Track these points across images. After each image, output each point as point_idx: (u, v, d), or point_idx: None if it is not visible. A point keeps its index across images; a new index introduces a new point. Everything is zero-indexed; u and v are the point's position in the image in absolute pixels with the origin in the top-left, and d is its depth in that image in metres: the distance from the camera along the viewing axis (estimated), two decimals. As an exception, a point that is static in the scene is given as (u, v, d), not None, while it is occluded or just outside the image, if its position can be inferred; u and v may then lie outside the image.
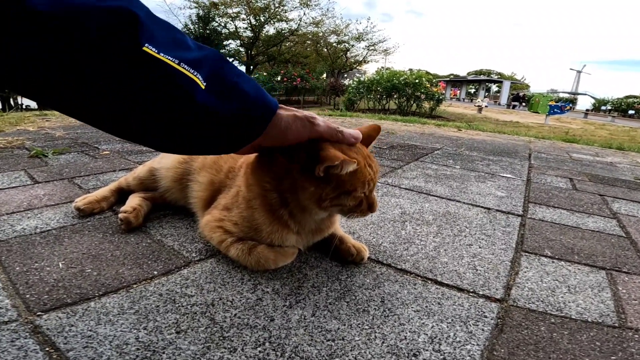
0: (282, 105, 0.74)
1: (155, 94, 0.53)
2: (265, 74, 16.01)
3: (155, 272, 0.97)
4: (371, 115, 6.94)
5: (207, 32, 16.30)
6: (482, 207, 1.74)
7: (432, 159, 2.87)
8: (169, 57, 0.52)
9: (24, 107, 6.98)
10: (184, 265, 1.02)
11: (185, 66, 0.54)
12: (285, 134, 0.74)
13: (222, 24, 16.94)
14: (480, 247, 1.29)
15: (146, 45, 0.49)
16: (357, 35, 18.42)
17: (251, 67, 18.42)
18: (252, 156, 0.97)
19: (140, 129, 0.58)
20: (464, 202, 1.78)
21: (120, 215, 1.18)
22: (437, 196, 1.85)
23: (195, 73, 0.55)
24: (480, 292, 1.00)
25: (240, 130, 0.65)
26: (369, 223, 1.44)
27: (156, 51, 0.51)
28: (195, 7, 16.06)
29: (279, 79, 14.93)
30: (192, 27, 16.38)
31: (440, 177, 2.25)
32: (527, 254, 1.27)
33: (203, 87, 0.56)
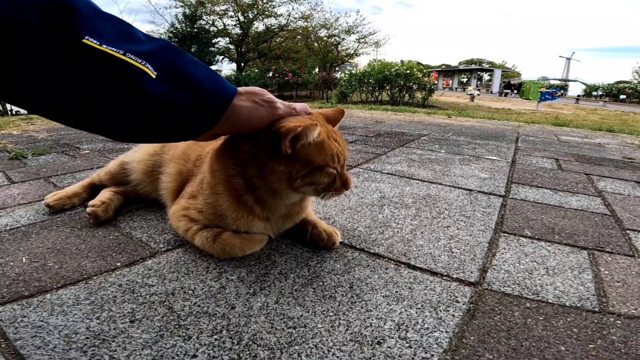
0: (244, 91, 0.74)
1: (102, 84, 0.54)
2: (256, 70, 15.90)
3: (119, 264, 0.95)
4: (362, 106, 6.89)
5: (195, 30, 16.13)
6: (463, 188, 1.71)
7: (418, 144, 2.84)
8: (114, 49, 0.53)
9: (13, 112, 6.98)
10: (150, 256, 1.00)
11: (132, 56, 0.54)
12: (246, 121, 0.74)
13: (210, 22, 16.78)
14: (458, 229, 1.26)
15: (86, 37, 0.50)
16: (347, 29, 18.32)
17: (242, 64, 18.29)
18: (219, 142, 0.95)
19: (95, 119, 0.59)
20: (445, 185, 1.75)
21: (88, 209, 1.17)
22: (418, 179, 1.82)
23: (145, 63, 0.56)
24: (454, 276, 0.97)
25: (195, 118, 0.65)
26: (346, 208, 1.41)
27: (98, 43, 0.51)
28: (182, 6, 15.88)
29: (270, 74, 14.84)
30: (178, 26, 16.18)
31: (424, 162, 2.22)
32: (506, 234, 1.25)
33: (154, 77, 0.57)
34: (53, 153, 2.21)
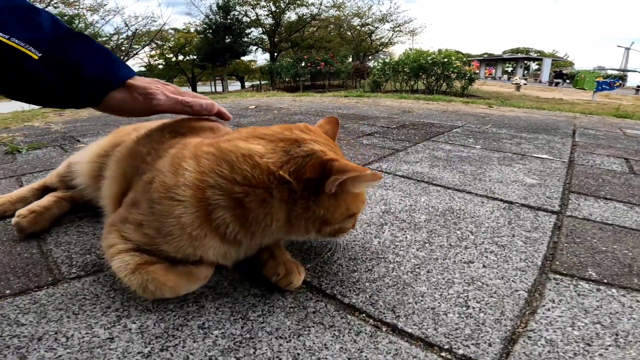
0: (132, 83, 0.82)
1: None
2: (289, 60, 15.61)
3: (8, 291, 0.76)
4: (392, 95, 6.40)
5: (229, 21, 16.11)
6: (501, 200, 1.28)
7: (448, 137, 2.39)
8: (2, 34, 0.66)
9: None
10: (49, 284, 0.79)
11: (17, 41, 0.68)
12: (121, 110, 0.84)
13: (243, 12, 16.66)
14: (484, 267, 0.86)
15: None
16: (380, 17, 17.55)
17: (275, 54, 18.12)
18: (210, 141, 0.74)
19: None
20: (476, 194, 1.33)
21: (13, 220, 1.01)
22: (440, 185, 1.41)
23: (28, 47, 0.69)
24: (460, 352, 0.59)
25: (73, 95, 0.77)
26: (332, 226, 1.04)
27: None
28: (216, -4, 15.89)
29: (302, 64, 14.57)
30: (213, 17, 16.23)
31: (451, 160, 1.79)
32: (557, 276, 0.83)
33: (37, 58, 0.70)
34: (49, 147, 2.12)
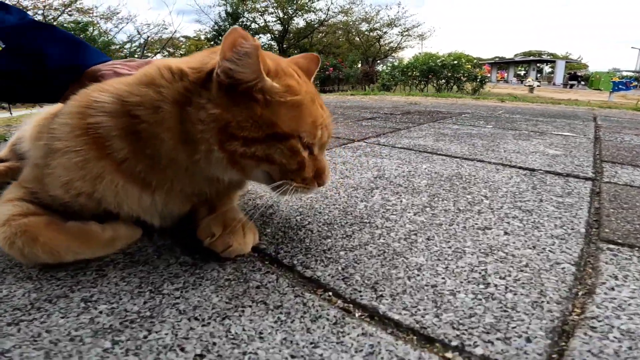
0: (93, 69, 0.77)
1: None
2: (297, 66, 15.43)
3: None
4: (400, 93, 6.18)
5: (237, 27, 16.18)
6: (520, 167, 1.04)
7: (456, 120, 2.15)
8: None
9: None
10: None
11: None
12: None
13: (251, 19, 16.65)
14: (507, 233, 0.63)
15: None
16: (388, 22, 17.34)
17: (283, 60, 18.05)
18: None
19: None
20: (489, 162, 1.09)
21: None
22: (446, 155, 1.18)
23: None
24: (478, 354, 0.36)
25: (40, 85, 0.76)
26: (308, 192, 0.82)
27: None
28: (224, 4, 15.87)
29: (310, 69, 14.48)
30: (221, 24, 16.26)
31: (460, 136, 1.55)
32: (612, 246, 0.59)
33: None
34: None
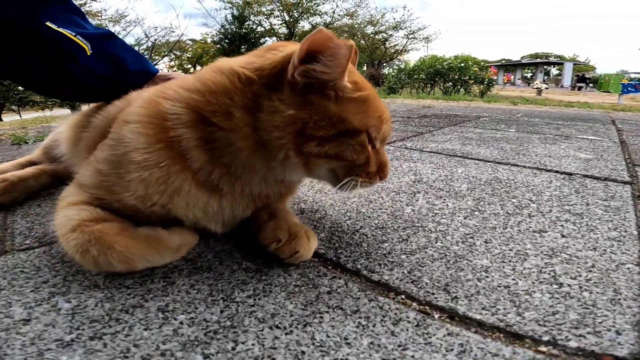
0: (162, 75, 0.92)
1: (53, 53, 0.77)
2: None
3: None
4: (409, 96, 6.18)
5: (244, 31, 16.29)
6: (557, 171, 1.04)
7: (476, 124, 2.15)
8: (68, 30, 0.76)
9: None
10: None
11: (80, 37, 0.78)
12: None
13: (257, 22, 16.80)
14: (564, 236, 0.63)
15: (47, 22, 0.74)
16: (394, 25, 17.40)
17: (289, 64, 18.12)
18: None
19: (47, 81, 0.84)
20: (524, 166, 1.09)
21: None
22: (478, 159, 1.18)
23: (86, 42, 0.79)
24: (573, 347, 0.36)
25: (118, 86, 0.79)
26: (352, 194, 0.83)
27: (56, 26, 0.75)
28: (230, 7, 16.04)
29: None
30: (228, 27, 16.41)
31: (485, 140, 1.55)
32: (673, 248, 0.59)
33: (89, 54, 0.79)
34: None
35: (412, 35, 17.69)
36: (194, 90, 0.51)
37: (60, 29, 0.76)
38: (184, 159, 0.50)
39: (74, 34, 0.77)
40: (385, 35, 17.65)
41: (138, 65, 0.89)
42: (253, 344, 0.40)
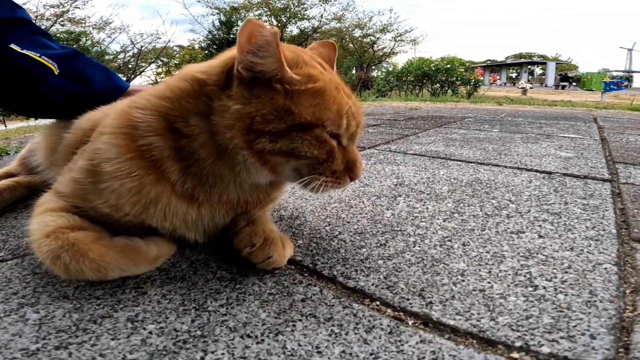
0: (131, 89, 0.90)
1: (21, 76, 0.77)
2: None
3: None
4: (397, 98, 6.23)
5: (232, 36, 16.26)
6: (537, 171, 1.05)
7: (460, 125, 2.16)
8: (32, 52, 0.77)
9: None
10: None
11: (45, 57, 0.79)
12: None
13: (245, 27, 16.82)
14: (541, 237, 0.63)
15: (12, 44, 0.75)
16: (381, 28, 17.53)
17: (277, 68, 18.10)
18: None
19: (20, 101, 0.85)
20: (505, 166, 1.10)
21: None
22: (460, 160, 1.18)
23: (53, 63, 0.79)
24: (545, 352, 0.36)
25: (87, 106, 0.77)
26: (333, 200, 0.82)
27: (20, 48, 0.76)
28: (217, 13, 15.98)
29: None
30: (215, 33, 16.35)
31: (469, 141, 1.56)
32: (647, 245, 0.59)
33: (57, 73, 0.80)
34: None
35: (399, 38, 17.83)
36: (163, 97, 0.51)
37: (24, 51, 0.76)
38: (159, 170, 0.49)
39: (38, 54, 0.78)
40: (373, 38, 17.76)
41: (107, 83, 0.89)
42: (223, 354, 0.38)
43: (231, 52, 0.49)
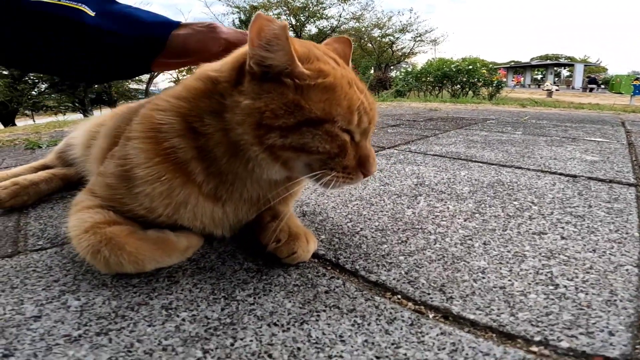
0: (187, 23, 0.80)
1: (45, 26, 0.68)
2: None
3: None
4: (416, 99, 6.18)
5: (252, 36, 16.46)
6: (561, 174, 1.03)
7: (482, 127, 2.14)
8: None
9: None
10: (7, 256, 0.64)
11: (66, 0, 0.68)
12: (185, 46, 0.76)
13: (265, 27, 17.01)
14: (563, 238, 0.63)
15: None
16: (401, 28, 17.40)
17: (296, 68, 18.26)
18: None
19: (46, 57, 0.75)
20: (528, 169, 1.09)
21: None
22: (482, 162, 1.18)
23: (80, 4, 0.69)
24: (564, 347, 0.37)
25: (141, 48, 0.74)
26: (354, 197, 0.84)
27: None
28: (237, 12, 16.23)
29: (324, 77, 14.62)
30: (236, 32, 16.63)
31: (490, 143, 1.55)
32: (674, 250, 0.59)
33: (92, 15, 0.70)
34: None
35: (419, 38, 17.67)
36: (181, 98, 0.53)
37: None
38: (185, 171, 0.52)
39: None
40: (392, 38, 17.67)
41: (155, 17, 0.79)
42: (251, 340, 0.41)
43: (243, 49, 0.51)
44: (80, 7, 0.69)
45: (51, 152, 1.10)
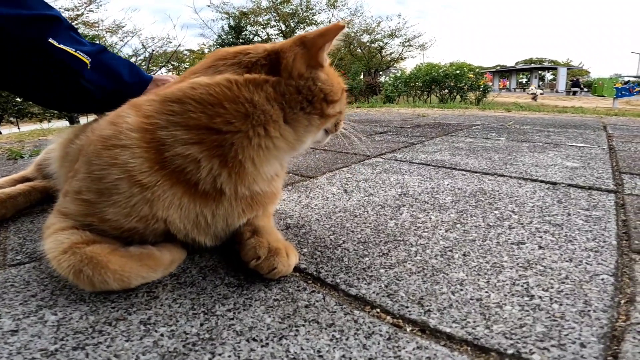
0: (156, 78, 0.98)
1: (60, 69, 0.81)
2: (300, 80, 15.57)
3: None
4: (405, 104, 6.23)
5: (241, 41, 16.44)
6: (542, 181, 1.06)
7: (468, 133, 2.17)
8: (68, 47, 0.80)
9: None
10: None
11: (80, 52, 0.82)
12: None
13: (254, 32, 17.00)
14: (541, 248, 0.64)
15: (50, 39, 0.78)
16: (389, 33, 17.58)
17: (286, 74, 18.26)
18: None
19: (59, 96, 0.88)
20: (510, 176, 1.11)
21: None
22: (466, 170, 1.20)
23: (87, 57, 0.83)
24: (535, 359, 0.38)
25: (121, 100, 0.69)
26: (338, 209, 0.84)
27: (57, 43, 0.79)
28: (226, 18, 16.22)
29: (313, 83, 14.65)
30: (225, 37, 16.58)
31: (475, 150, 1.57)
32: (647, 257, 0.60)
33: (89, 67, 0.83)
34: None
35: (407, 43, 17.85)
36: (196, 110, 0.54)
37: (61, 46, 0.80)
38: (182, 174, 0.53)
39: (74, 49, 0.81)
40: (381, 43, 17.83)
41: (134, 76, 0.93)
42: (229, 356, 0.41)
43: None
44: (85, 60, 0.83)
45: (32, 163, 1.09)
